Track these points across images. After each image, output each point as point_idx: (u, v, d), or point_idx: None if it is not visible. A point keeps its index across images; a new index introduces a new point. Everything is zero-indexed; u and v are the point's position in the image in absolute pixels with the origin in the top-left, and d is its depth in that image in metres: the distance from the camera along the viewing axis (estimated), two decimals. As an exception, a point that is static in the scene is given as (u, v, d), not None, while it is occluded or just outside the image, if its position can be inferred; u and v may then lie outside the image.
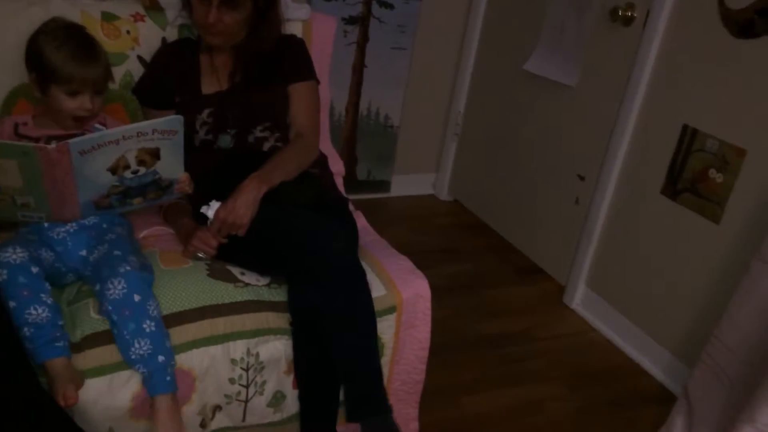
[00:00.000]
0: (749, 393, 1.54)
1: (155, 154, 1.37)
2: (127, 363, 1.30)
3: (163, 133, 1.35)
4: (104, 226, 1.46)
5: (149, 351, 1.28)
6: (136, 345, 1.28)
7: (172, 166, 1.42)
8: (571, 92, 2.43)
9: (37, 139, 1.43)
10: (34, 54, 1.42)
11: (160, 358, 1.29)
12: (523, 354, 2.18)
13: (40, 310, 1.25)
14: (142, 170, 1.37)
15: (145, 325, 1.28)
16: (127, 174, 1.36)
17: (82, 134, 1.46)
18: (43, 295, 1.27)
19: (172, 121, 1.36)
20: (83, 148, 1.28)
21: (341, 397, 1.53)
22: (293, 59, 1.72)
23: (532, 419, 1.90)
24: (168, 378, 1.30)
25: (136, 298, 1.29)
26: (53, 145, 1.26)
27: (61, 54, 1.39)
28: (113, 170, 1.34)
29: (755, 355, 1.58)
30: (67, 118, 1.45)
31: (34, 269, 1.28)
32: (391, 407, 1.48)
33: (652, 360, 2.18)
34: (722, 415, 1.64)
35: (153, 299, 1.33)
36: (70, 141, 1.26)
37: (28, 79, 1.47)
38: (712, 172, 1.95)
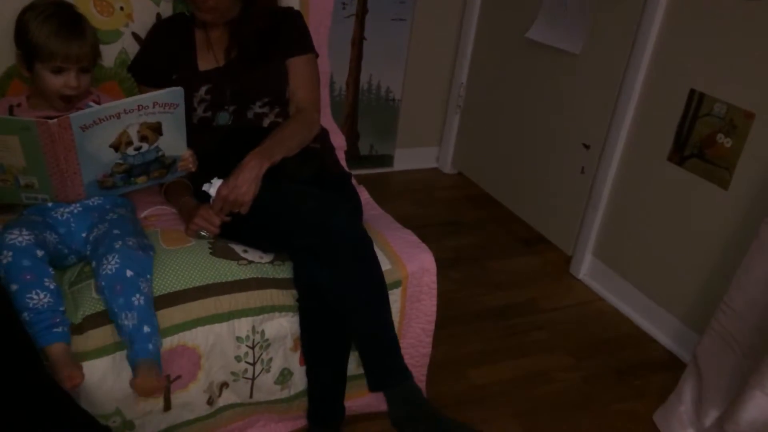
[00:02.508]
0: (759, 359, 1.53)
1: (157, 130, 1.36)
2: (118, 334, 1.29)
3: (164, 107, 1.34)
4: (107, 207, 1.45)
5: (135, 322, 1.27)
6: (123, 317, 1.27)
7: (174, 143, 1.41)
8: (575, 59, 2.39)
9: (32, 121, 1.42)
10: (20, 30, 1.40)
11: (146, 328, 1.27)
12: (530, 325, 2.17)
13: (41, 295, 1.24)
14: (145, 146, 1.36)
15: (134, 299, 1.28)
16: (130, 151, 1.35)
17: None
18: (46, 279, 1.26)
19: (173, 93, 1.34)
20: (84, 122, 1.27)
21: (354, 371, 1.54)
22: (290, 32, 1.69)
23: (539, 390, 1.90)
24: (150, 346, 1.27)
25: (129, 273, 1.29)
26: (52, 119, 1.24)
27: (45, 30, 1.36)
28: (116, 147, 1.33)
29: (764, 321, 1.57)
30: (54, 98, 1.42)
31: (39, 253, 1.27)
32: (411, 373, 1.48)
33: (660, 328, 2.17)
34: (732, 381, 1.64)
35: (146, 280, 1.32)
36: (71, 115, 1.24)
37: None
38: (720, 137, 1.92)
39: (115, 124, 1.30)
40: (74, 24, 1.40)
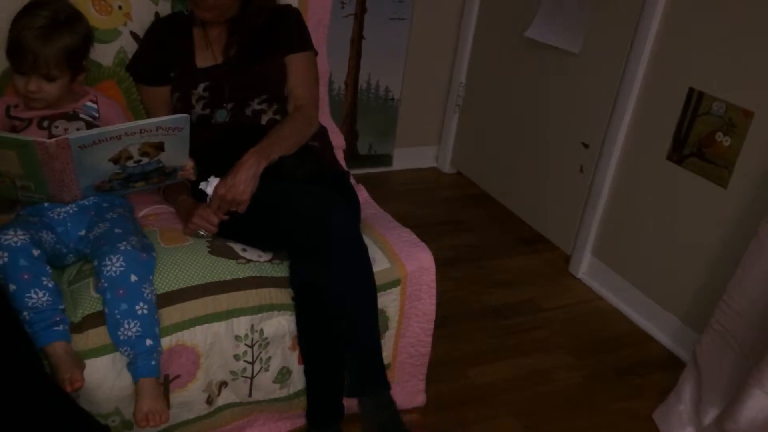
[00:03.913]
0: (758, 357, 1.53)
1: (159, 147, 1.34)
2: (114, 344, 1.28)
3: (167, 130, 1.32)
4: (104, 205, 1.45)
5: (138, 333, 1.26)
6: (126, 326, 1.26)
7: (176, 157, 1.40)
8: (574, 59, 2.38)
9: (29, 120, 1.41)
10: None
11: (148, 341, 1.27)
12: (529, 324, 2.17)
13: (40, 294, 1.24)
14: (145, 160, 1.35)
15: (137, 307, 1.27)
16: (130, 163, 1.34)
17: (73, 113, 1.44)
18: (44, 278, 1.26)
19: (178, 119, 1.32)
20: (84, 143, 1.25)
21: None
22: (289, 30, 1.69)
23: (538, 389, 1.90)
24: (153, 363, 1.28)
25: (133, 278, 1.28)
26: (50, 139, 1.22)
27: (15, 27, 1.34)
28: (115, 160, 1.32)
29: (764, 319, 1.57)
30: (27, 100, 1.39)
31: (36, 252, 1.26)
32: (389, 384, 1.48)
33: (659, 327, 2.17)
34: (731, 380, 1.63)
35: (150, 283, 1.32)
36: (70, 137, 1.23)
37: None
38: (719, 136, 1.92)
39: (116, 144, 1.28)
40: (43, 29, 1.33)
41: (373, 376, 1.47)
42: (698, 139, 1.98)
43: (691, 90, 1.99)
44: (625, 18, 2.16)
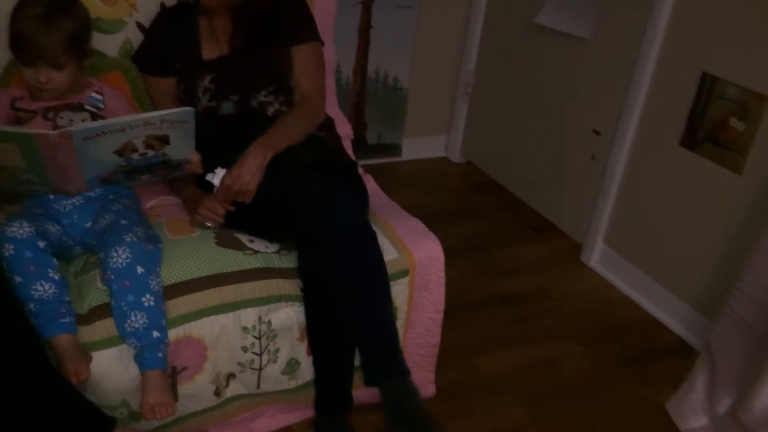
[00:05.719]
0: (773, 346, 1.51)
1: (164, 140, 1.33)
2: (121, 336, 1.28)
3: (172, 123, 1.31)
4: (110, 197, 1.45)
5: (145, 325, 1.26)
6: (133, 318, 1.26)
7: (182, 149, 1.39)
8: (585, 44, 2.35)
9: (34, 112, 1.41)
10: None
11: (155, 333, 1.27)
12: (539, 313, 2.15)
13: (46, 287, 1.24)
14: (151, 153, 1.34)
15: (144, 299, 1.27)
16: (135, 156, 1.33)
17: (78, 104, 1.44)
18: (50, 270, 1.26)
19: (183, 112, 1.31)
20: (87, 135, 1.24)
21: (356, 361, 1.53)
22: (295, 20, 1.68)
23: (549, 378, 1.88)
24: (160, 354, 1.28)
25: (139, 270, 1.28)
26: (53, 131, 1.22)
27: (16, 20, 1.33)
28: (119, 153, 1.31)
29: (779, 308, 1.55)
30: (35, 92, 1.39)
31: (41, 244, 1.26)
32: (409, 369, 1.46)
33: (672, 315, 2.14)
34: (745, 369, 1.61)
35: (156, 275, 1.32)
36: (72, 129, 1.22)
37: None
38: (733, 121, 1.89)
39: (119, 136, 1.27)
40: (45, 18, 1.33)
41: (390, 364, 1.45)
42: (712, 124, 1.95)
43: (704, 75, 1.95)
44: (637, 2, 2.12)
